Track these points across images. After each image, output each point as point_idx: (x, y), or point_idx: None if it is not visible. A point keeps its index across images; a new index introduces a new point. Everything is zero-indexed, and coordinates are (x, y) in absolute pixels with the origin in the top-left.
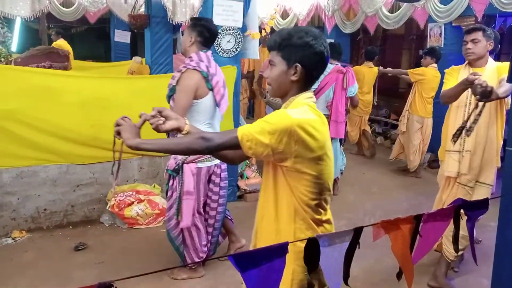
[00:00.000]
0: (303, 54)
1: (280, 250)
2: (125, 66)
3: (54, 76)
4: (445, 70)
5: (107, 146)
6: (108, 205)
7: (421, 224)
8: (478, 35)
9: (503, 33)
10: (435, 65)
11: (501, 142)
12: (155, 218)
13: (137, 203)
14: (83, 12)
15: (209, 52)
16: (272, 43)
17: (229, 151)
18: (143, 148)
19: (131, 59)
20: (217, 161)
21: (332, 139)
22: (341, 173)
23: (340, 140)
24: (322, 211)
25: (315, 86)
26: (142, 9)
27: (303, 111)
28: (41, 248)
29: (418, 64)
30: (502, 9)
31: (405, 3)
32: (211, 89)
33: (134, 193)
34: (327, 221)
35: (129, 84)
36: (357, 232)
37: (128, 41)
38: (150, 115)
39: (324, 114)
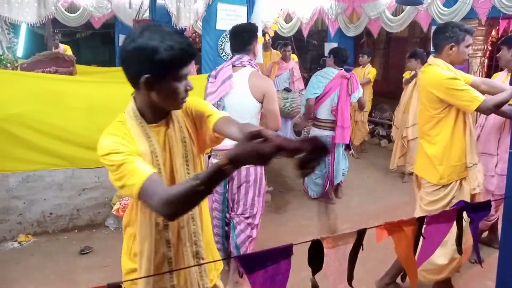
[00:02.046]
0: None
1: (285, 252)
2: None
3: (60, 81)
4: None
5: None
6: (113, 209)
7: (424, 226)
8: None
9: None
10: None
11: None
12: None
13: None
14: (88, 17)
15: (234, 58)
16: None
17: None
18: None
19: None
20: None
21: (334, 145)
22: (343, 174)
23: (347, 145)
24: None
25: (318, 91)
26: (147, 14)
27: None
28: (47, 252)
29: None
30: (506, 11)
31: (409, 6)
32: None
33: None
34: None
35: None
36: (361, 234)
37: None
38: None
39: (329, 120)
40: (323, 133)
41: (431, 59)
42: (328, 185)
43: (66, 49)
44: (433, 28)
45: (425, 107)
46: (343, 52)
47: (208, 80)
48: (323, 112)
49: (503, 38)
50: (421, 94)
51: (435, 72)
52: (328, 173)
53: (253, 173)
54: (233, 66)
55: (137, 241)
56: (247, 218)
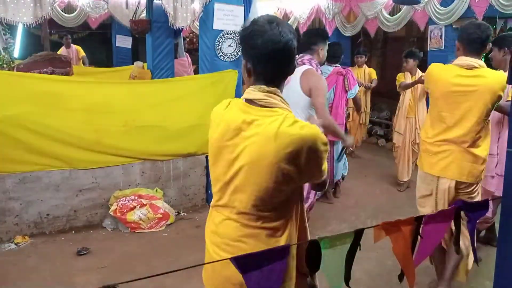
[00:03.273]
0: (245, 48)
1: (281, 253)
2: (126, 71)
3: (56, 81)
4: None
5: (109, 151)
6: (111, 209)
7: (422, 225)
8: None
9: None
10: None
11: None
12: (158, 222)
13: (140, 207)
14: (84, 17)
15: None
16: None
17: None
18: None
19: (133, 64)
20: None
21: (332, 142)
22: (343, 178)
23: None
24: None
25: None
26: (143, 15)
27: None
28: (44, 253)
29: (419, 67)
30: (502, 10)
31: (405, 6)
32: None
33: (136, 197)
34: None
35: (131, 89)
36: (358, 234)
37: (130, 46)
38: None
39: None
40: None
41: (479, 61)
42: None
43: (78, 50)
44: (430, 27)
45: (480, 112)
46: (336, 48)
47: None
48: None
49: (493, 39)
50: (476, 100)
51: (502, 74)
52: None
53: None
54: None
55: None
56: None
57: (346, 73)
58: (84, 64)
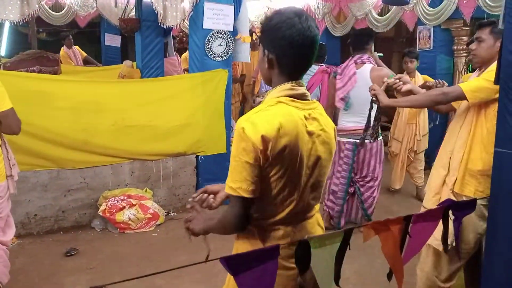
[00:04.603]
0: (271, 39)
1: (271, 253)
2: (115, 70)
3: (44, 80)
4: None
5: (98, 150)
6: (100, 210)
7: (411, 224)
8: (483, 32)
9: None
10: None
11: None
12: (147, 222)
13: (129, 207)
14: (73, 16)
15: (356, 56)
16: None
17: None
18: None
19: (122, 63)
20: (345, 139)
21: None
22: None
23: None
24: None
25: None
26: (133, 13)
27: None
28: (32, 254)
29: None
30: (490, 12)
31: (394, 6)
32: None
33: (125, 197)
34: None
35: (120, 88)
36: (347, 233)
37: (119, 45)
38: (199, 199)
39: None
40: None
41: None
42: None
43: (80, 51)
44: (419, 28)
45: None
46: (321, 48)
47: (335, 77)
48: None
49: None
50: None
51: None
52: None
53: (375, 146)
54: (356, 63)
55: None
56: (369, 181)
57: (330, 71)
58: (90, 63)
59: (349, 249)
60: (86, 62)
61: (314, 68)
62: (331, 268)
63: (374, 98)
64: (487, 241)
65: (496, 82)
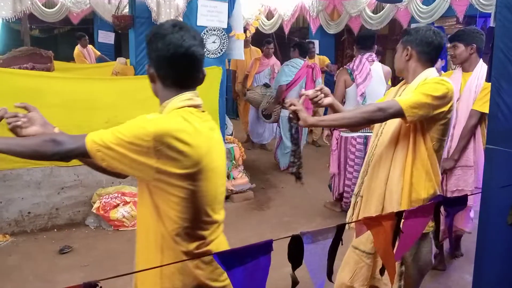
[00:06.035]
0: (148, 53)
1: (264, 248)
2: (109, 67)
3: (37, 77)
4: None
5: None
6: (93, 207)
7: (403, 220)
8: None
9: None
10: None
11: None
12: None
13: (123, 205)
14: (66, 12)
15: (366, 55)
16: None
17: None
18: None
19: (115, 60)
20: (355, 134)
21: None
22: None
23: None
24: (196, 242)
25: (289, 79)
26: (126, 10)
27: (171, 117)
28: (25, 251)
29: None
30: (482, 10)
31: (388, 4)
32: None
33: (119, 195)
34: (206, 254)
35: (113, 85)
36: (340, 229)
37: (112, 42)
38: (12, 114)
39: None
40: None
41: None
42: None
43: (94, 50)
44: (413, 25)
45: None
46: (306, 45)
47: (350, 73)
48: (293, 97)
49: (457, 34)
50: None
51: None
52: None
53: None
54: (367, 61)
55: None
56: None
57: (314, 66)
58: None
59: (342, 244)
60: (99, 61)
61: (300, 63)
62: (324, 264)
63: (292, 116)
64: (478, 237)
65: (488, 79)
